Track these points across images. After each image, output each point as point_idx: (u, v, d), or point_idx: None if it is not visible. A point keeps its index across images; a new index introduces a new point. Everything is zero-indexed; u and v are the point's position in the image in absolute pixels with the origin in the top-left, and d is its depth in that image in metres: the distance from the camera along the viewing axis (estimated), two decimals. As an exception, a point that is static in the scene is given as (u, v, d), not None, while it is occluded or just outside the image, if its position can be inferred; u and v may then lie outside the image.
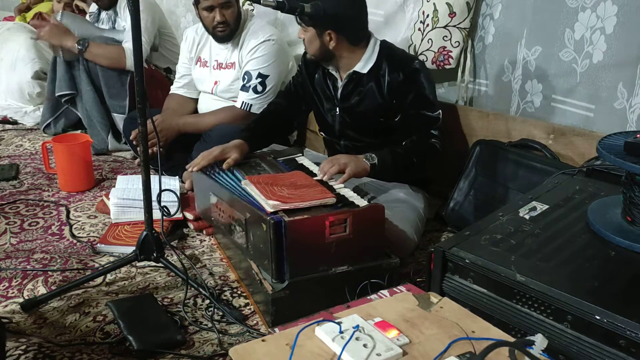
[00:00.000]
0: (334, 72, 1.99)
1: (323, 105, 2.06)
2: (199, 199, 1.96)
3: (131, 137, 2.37)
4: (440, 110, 1.90)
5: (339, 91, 1.98)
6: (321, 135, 2.21)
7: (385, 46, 1.95)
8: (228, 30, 2.36)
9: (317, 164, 1.88)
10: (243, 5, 2.85)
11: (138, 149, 1.86)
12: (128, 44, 2.71)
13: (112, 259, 1.88)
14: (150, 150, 1.80)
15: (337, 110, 2.01)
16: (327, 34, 1.85)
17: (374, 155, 1.78)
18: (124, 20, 2.88)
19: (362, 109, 1.95)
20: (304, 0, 1.75)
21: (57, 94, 2.91)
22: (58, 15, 2.84)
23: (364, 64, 1.91)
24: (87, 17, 3.11)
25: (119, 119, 2.79)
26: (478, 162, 2.08)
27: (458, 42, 2.20)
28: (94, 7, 3.07)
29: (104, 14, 3.00)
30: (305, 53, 2.06)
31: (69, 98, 2.92)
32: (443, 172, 2.12)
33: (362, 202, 1.57)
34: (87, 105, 2.84)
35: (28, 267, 1.80)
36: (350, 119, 1.99)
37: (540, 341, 0.91)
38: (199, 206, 1.96)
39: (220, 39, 2.40)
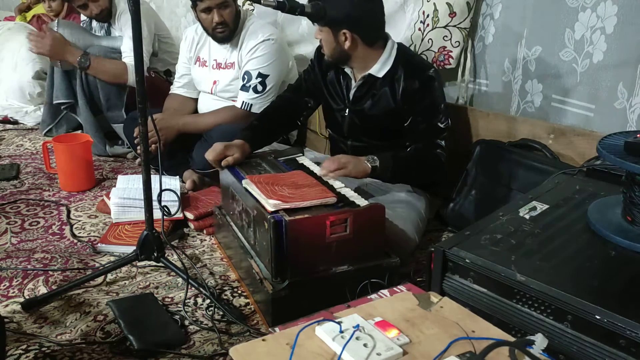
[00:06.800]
0: (348, 73, 1.96)
1: (333, 104, 2.04)
2: (223, 194, 1.97)
3: (134, 135, 2.37)
4: (449, 121, 1.88)
5: (352, 92, 1.96)
6: (328, 131, 2.19)
7: (403, 51, 1.92)
8: (227, 31, 2.34)
9: (318, 164, 1.88)
10: (243, 5, 2.85)
11: (138, 148, 1.86)
12: (129, 60, 2.67)
13: (112, 258, 1.88)
14: (151, 147, 1.79)
15: (347, 111, 1.99)
16: (342, 33, 1.82)
17: (375, 157, 1.77)
18: (118, 30, 2.84)
19: (373, 113, 1.92)
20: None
21: (54, 103, 2.89)
22: (54, 25, 2.75)
23: (380, 68, 1.88)
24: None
25: (119, 129, 2.78)
26: (478, 162, 2.09)
27: (458, 42, 2.20)
28: (84, 16, 2.99)
29: (95, 22, 2.94)
30: (318, 48, 2.02)
31: (68, 105, 2.89)
32: (443, 172, 2.12)
33: (362, 202, 1.57)
34: (80, 119, 2.84)
35: (29, 266, 1.81)
36: (360, 121, 1.97)
37: (540, 341, 0.91)
38: (223, 201, 1.96)
39: (221, 39, 2.39)
